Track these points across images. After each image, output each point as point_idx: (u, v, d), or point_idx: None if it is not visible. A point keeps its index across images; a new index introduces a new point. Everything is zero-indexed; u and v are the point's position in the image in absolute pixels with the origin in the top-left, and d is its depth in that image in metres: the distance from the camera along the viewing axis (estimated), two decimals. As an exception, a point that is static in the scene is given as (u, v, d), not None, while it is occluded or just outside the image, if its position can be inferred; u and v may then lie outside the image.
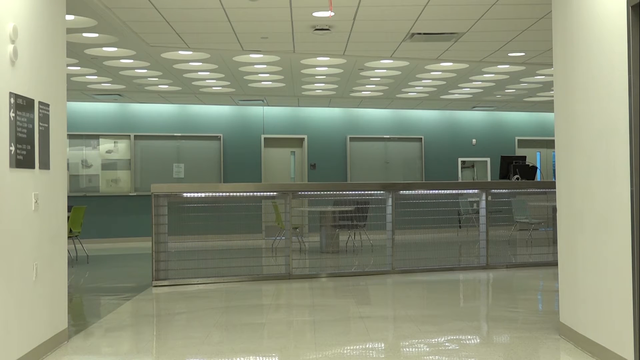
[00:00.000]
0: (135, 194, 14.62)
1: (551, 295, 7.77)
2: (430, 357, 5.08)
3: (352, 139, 15.89)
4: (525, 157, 14.26)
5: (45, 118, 4.97)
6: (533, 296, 8.13)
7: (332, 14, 7.10)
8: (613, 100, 4.43)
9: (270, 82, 12.10)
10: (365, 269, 9.64)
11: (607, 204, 4.54)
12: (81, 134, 14.44)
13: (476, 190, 10.26)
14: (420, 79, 11.89)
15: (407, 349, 5.31)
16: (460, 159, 16.44)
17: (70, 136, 13.57)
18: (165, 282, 8.33)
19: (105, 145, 14.70)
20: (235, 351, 5.17)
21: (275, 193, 9.68)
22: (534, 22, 7.63)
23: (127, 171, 14.76)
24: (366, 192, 10.21)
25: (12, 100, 4.37)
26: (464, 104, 15.33)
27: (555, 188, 5.67)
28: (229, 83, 12.14)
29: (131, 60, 9.93)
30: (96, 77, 11.37)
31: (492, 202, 10.26)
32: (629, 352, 4.24)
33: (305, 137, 15.68)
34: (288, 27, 7.80)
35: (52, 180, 5.16)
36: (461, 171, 16.45)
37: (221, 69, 10.70)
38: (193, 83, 12.08)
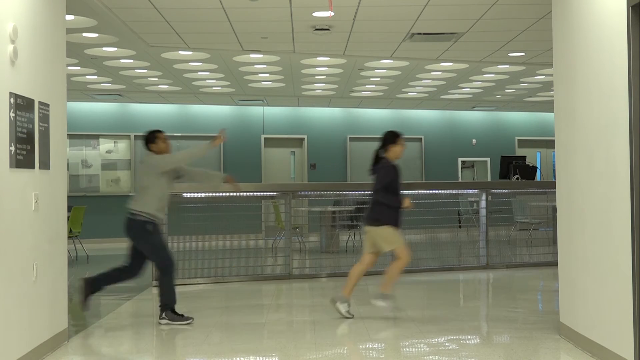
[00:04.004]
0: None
1: (551, 295, 7.77)
2: (430, 357, 5.08)
3: (352, 139, 15.89)
4: (525, 157, 14.25)
5: (45, 118, 4.96)
6: (533, 296, 8.13)
7: (332, 14, 7.09)
8: (613, 100, 4.43)
9: (270, 82, 12.10)
10: (365, 269, 9.62)
11: (608, 203, 4.54)
12: (81, 134, 14.43)
13: (476, 190, 10.26)
14: (420, 79, 11.89)
15: (407, 349, 5.31)
16: (460, 159, 16.44)
17: (70, 136, 13.55)
18: (165, 282, 8.31)
19: (105, 145, 14.70)
20: (235, 351, 5.17)
21: (275, 193, 9.67)
22: (534, 22, 7.63)
23: (127, 171, 14.76)
24: (366, 192, 10.19)
25: (12, 100, 4.37)
26: (464, 104, 15.33)
27: (555, 188, 5.67)
28: (229, 83, 12.14)
29: (131, 60, 9.93)
30: (96, 77, 11.37)
31: (492, 202, 10.25)
32: (629, 352, 4.23)
33: (305, 137, 15.68)
34: (288, 27, 7.80)
35: (52, 180, 5.16)
36: (461, 171, 16.44)
37: (221, 69, 10.70)
38: (193, 83, 12.08)
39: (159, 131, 6.33)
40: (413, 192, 9.81)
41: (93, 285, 6.19)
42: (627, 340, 4.26)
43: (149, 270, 8.61)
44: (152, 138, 6.27)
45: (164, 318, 6.05)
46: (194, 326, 6.05)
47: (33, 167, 4.74)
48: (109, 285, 6.27)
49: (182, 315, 6.09)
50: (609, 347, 4.52)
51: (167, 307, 6.09)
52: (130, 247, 6.20)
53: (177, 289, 8.13)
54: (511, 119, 16.80)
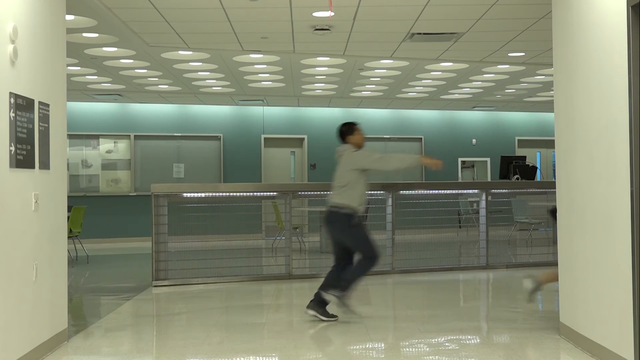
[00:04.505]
0: (135, 194, 14.62)
1: (551, 295, 7.77)
2: (430, 357, 5.08)
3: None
4: (525, 157, 14.25)
5: (45, 118, 4.97)
6: (533, 296, 8.11)
7: (332, 14, 7.10)
8: (613, 100, 4.43)
9: (270, 82, 12.10)
10: (365, 269, 9.61)
11: (608, 203, 4.54)
12: (81, 134, 14.44)
13: (476, 190, 10.25)
14: (420, 79, 11.89)
15: (407, 349, 5.31)
16: (460, 159, 16.44)
17: (70, 136, 13.57)
18: (165, 282, 8.33)
19: (105, 145, 14.70)
20: (236, 351, 5.17)
21: (275, 193, 9.67)
22: (534, 22, 7.63)
23: (127, 171, 14.76)
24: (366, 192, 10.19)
25: (12, 100, 4.37)
26: (464, 104, 15.33)
27: (555, 188, 5.67)
28: (229, 83, 12.14)
29: (131, 60, 9.93)
30: (96, 77, 11.37)
31: (492, 202, 10.25)
32: (629, 352, 4.24)
33: (305, 137, 15.68)
34: (288, 27, 7.80)
35: (52, 180, 5.16)
36: (461, 171, 16.44)
37: (221, 69, 10.70)
38: (193, 83, 12.08)
39: (355, 123, 6.30)
40: (413, 192, 9.82)
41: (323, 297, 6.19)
42: (627, 340, 4.26)
43: (149, 270, 8.62)
44: (350, 130, 6.27)
45: (331, 295, 5.98)
46: (193, 326, 6.05)
47: (33, 167, 4.75)
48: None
49: (328, 311, 6.05)
50: (609, 347, 4.52)
51: (339, 293, 5.97)
52: (334, 246, 6.17)
53: (178, 289, 8.14)
54: (511, 119, 16.79)
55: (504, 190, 10.60)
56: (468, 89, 13.16)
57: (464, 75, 11.50)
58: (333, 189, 6.18)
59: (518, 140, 16.80)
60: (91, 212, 13.31)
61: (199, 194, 8.90)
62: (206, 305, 7.22)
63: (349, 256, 6.20)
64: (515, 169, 13.47)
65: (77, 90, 12.73)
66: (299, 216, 11.34)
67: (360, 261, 6.08)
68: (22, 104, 4.52)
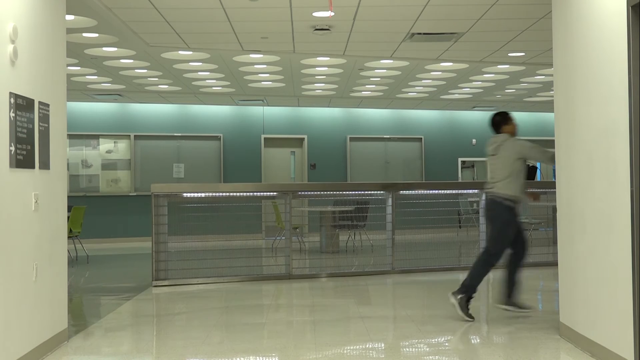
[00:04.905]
0: (135, 194, 14.62)
1: (551, 295, 7.77)
2: (430, 357, 5.08)
3: (352, 139, 15.89)
4: (525, 157, 14.23)
5: (45, 118, 4.97)
6: (533, 296, 8.12)
7: (332, 14, 7.10)
8: (613, 100, 4.43)
9: (270, 82, 12.10)
10: (365, 269, 9.64)
11: (608, 203, 4.54)
12: (81, 134, 14.44)
13: (476, 190, 10.25)
14: (420, 79, 11.89)
15: (407, 349, 5.31)
16: (460, 159, 16.44)
17: (70, 136, 13.57)
18: (165, 282, 8.33)
19: (105, 145, 14.70)
20: (236, 351, 5.17)
21: (275, 193, 9.67)
22: (534, 22, 7.63)
23: (127, 171, 14.77)
24: (366, 192, 10.21)
25: (12, 100, 4.37)
26: (464, 104, 15.33)
27: (555, 188, 5.67)
28: (229, 83, 12.14)
29: (131, 60, 9.93)
30: (96, 77, 11.37)
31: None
32: (629, 352, 4.24)
33: (305, 137, 15.68)
34: (288, 27, 7.80)
35: (52, 180, 5.16)
36: (461, 171, 16.44)
37: (221, 69, 10.70)
38: (193, 83, 12.08)
39: (508, 113, 6.29)
40: (413, 192, 9.82)
41: (510, 284, 6.27)
42: (627, 340, 4.26)
43: (149, 270, 8.62)
44: (505, 120, 6.22)
45: (457, 297, 6.10)
46: (193, 326, 6.05)
47: (33, 167, 4.75)
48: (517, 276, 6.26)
49: (468, 310, 6.09)
50: (609, 347, 4.52)
51: (467, 292, 6.11)
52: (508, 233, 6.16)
53: (178, 289, 8.13)
54: (511, 119, 16.78)
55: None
56: (468, 89, 13.16)
57: (464, 75, 11.50)
58: (494, 179, 6.18)
59: (518, 140, 16.78)
60: (91, 212, 13.31)
61: (199, 194, 8.90)
62: (206, 305, 7.22)
63: (522, 241, 6.31)
64: (515, 169, 13.43)
65: (77, 90, 12.73)
66: (299, 216, 11.34)
67: (478, 262, 6.15)
68: (22, 104, 4.52)
